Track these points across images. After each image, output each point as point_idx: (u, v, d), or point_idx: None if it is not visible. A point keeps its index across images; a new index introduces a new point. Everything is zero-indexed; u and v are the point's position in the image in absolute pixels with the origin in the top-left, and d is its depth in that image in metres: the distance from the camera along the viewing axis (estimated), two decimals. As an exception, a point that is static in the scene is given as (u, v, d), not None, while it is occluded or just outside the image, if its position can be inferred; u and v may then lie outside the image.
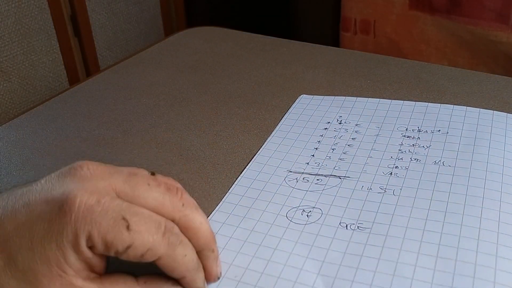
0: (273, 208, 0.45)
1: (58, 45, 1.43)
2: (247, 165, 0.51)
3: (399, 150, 0.51)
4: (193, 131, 0.58)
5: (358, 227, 0.42)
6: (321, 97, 0.62)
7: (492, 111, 0.55)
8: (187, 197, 0.35)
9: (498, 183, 0.45)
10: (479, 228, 0.40)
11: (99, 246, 0.31)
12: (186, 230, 0.34)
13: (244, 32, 0.84)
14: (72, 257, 0.31)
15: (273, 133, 0.56)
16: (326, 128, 0.55)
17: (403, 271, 0.37)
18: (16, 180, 0.51)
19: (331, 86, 0.65)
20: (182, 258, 0.34)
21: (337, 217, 0.43)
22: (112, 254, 0.32)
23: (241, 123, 0.59)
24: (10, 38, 1.31)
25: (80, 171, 0.34)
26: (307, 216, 0.43)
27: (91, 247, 0.32)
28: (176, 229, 0.34)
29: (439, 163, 0.48)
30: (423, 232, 0.40)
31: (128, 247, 0.31)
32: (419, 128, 0.54)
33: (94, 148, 0.56)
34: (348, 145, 0.52)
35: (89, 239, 0.31)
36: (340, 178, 0.48)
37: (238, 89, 0.66)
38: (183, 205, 0.34)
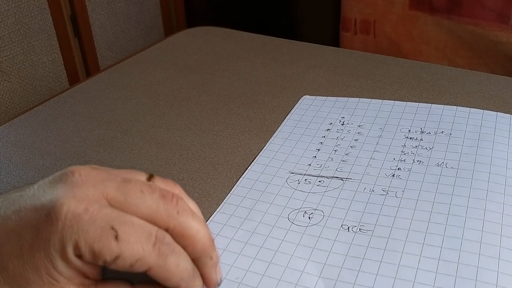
0: (275, 209, 0.44)
1: (58, 45, 1.42)
2: (248, 166, 0.51)
3: (402, 151, 0.50)
4: (193, 131, 0.58)
5: (360, 229, 0.41)
6: (324, 98, 0.61)
7: (495, 112, 0.55)
8: (182, 203, 0.34)
9: (501, 185, 0.44)
10: (482, 230, 0.40)
11: (87, 255, 0.31)
12: (181, 238, 0.33)
13: (244, 32, 0.84)
14: (61, 266, 0.31)
15: (275, 134, 0.55)
16: (329, 129, 0.55)
17: (405, 274, 0.37)
18: (16, 180, 0.51)
19: (331, 86, 0.65)
20: (175, 268, 0.33)
21: (339, 219, 0.43)
22: (100, 263, 0.31)
23: (241, 123, 0.58)
24: (10, 38, 1.30)
25: (71, 177, 0.33)
26: (309, 218, 0.43)
27: (79, 256, 0.31)
28: (168, 238, 0.33)
29: (442, 165, 0.48)
30: (425, 235, 0.40)
31: (117, 258, 0.31)
32: (422, 130, 0.53)
33: (94, 148, 0.55)
34: (351, 147, 0.52)
35: (76, 248, 0.30)
36: (342, 179, 0.47)
37: (238, 89, 0.66)
38: (178, 212, 0.33)
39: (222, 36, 0.83)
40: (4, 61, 1.30)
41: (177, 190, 0.36)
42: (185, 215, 0.34)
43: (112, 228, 0.31)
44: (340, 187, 0.46)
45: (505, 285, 0.36)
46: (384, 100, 0.59)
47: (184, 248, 0.34)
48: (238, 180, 0.49)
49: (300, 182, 0.47)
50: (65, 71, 1.46)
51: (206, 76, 0.70)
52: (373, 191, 0.45)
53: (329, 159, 0.50)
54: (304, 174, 0.49)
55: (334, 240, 0.41)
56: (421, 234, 0.40)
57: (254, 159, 0.52)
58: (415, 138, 0.52)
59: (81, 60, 1.51)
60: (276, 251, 0.40)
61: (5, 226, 0.31)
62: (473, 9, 1.10)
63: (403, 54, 1.24)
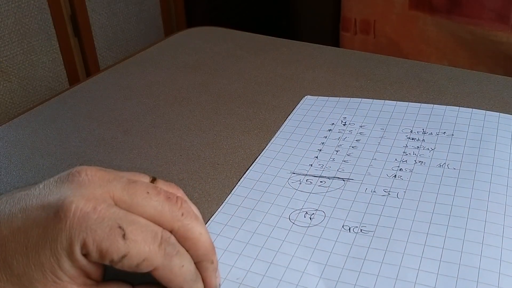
0: (276, 210, 0.44)
1: (58, 45, 1.43)
2: (249, 166, 0.50)
3: (404, 152, 0.50)
4: (193, 131, 0.57)
5: (361, 230, 0.41)
6: (326, 98, 0.61)
7: (498, 113, 0.55)
8: (187, 206, 0.35)
9: (503, 186, 0.44)
10: (484, 232, 0.40)
11: (94, 254, 0.31)
12: (184, 240, 0.34)
13: (244, 32, 0.84)
14: (66, 264, 0.31)
15: (276, 134, 0.55)
16: (330, 130, 0.55)
17: (406, 275, 0.37)
18: (16, 180, 0.51)
19: (331, 86, 0.65)
20: (179, 269, 0.33)
21: (340, 220, 0.42)
22: (107, 262, 0.31)
23: (241, 123, 0.58)
24: (10, 38, 1.30)
25: (78, 177, 0.33)
26: (310, 218, 0.43)
27: (85, 255, 0.31)
28: (173, 239, 0.33)
29: (443, 165, 0.48)
30: (427, 236, 0.40)
31: (124, 256, 0.31)
32: (424, 130, 0.53)
33: (94, 148, 0.55)
34: (352, 147, 0.52)
35: (84, 246, 0.30)
36: (343, 180, 0.47)
37: (238, 89, 0.66)
38: (182, 214, 0.34)
39: (222, 36, 0.83)
40: (4, 61, 1.30)
41: (180, 193, 0.36)
42: (189, 218, 0.34)
43: (120, 227, 0.31)
44: (342, 188, 0.46)
45: (507, 286, 0.35)
46: (386, 101, 0.59)
47: (186, 251, 0.34)
48: (239, 180, 0.49)
49: (302, 183, 0.47)
50: (65, 71, 1.46)
51: (206, 76, 0.70)
52: (374, 191, 0.45)
53: (331, 159, 0.50)
54: (306, 175, 0.48)
55: (335, 241, 0.40)
56: (423, 235, 0.40)
57: (255, 159, 0.51)
58: (417, 138, 0.52)
59: (81, 60, 1.51)
60: (277, 251, 0.40)
61: (11, 224, 0.32)
62: (473, 9, 1.10)
63: (403, 54, 1.24)
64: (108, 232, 0.31)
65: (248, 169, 0.50)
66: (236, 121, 0.59)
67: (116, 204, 0.32)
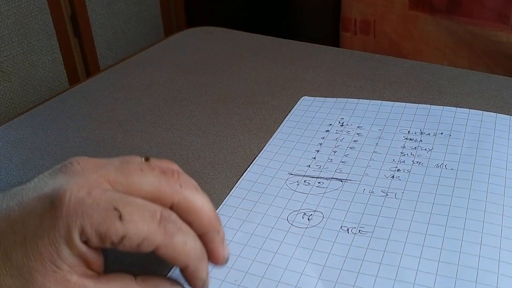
0: (274, 211, 0.44)
1: (58, 45, 1.43)
2: (248, 167, 0.50)
3: (401, 153, 0.50)
4: (193, 131, 0.58)
5: (359, 231, 0.41)
6: (323, 98, 0.61)
7: (495, 113, 0.55)
8: (184, 177, 0.34)
9: (501, 186, 0.44)
10: (482, 232, 0.40)
11: (93, 239, 0.31)
12: (187, 213, 0.33)
13: (244, 32, 0.84)
14: (65, 252, 0.31)
15: (274, 135, 0.55)
16: (328, 131, 0.55)
17: (405, 276, 0.37)
18: (16, 180, 0.51)
19: (331, 86, 0.65)
20: (183, 247, 0.32)
21: (338, 221, 0.43)
22: (108, 245, 0.31)
23: (241, 123, 0.58)
24: (10, 38, 1.30)
25: (71, 167, 0.33)
26: (308, 219, 0.43)
27: (86, 241, 0.31)
28: (174, 216, 0.33)
29: (441, 166, 0.48)
30: (425, 236, 0.40)
31: (123, 238, 0.31)
32: (422, 131, 0.53)
33: (94, 148, 0.55)
34: (350, 148, 0.52)
35: (82, 232, 0.31)
36: (341, 181, 0.47)
37: (238, 89, 0.66)
38: (180, 186, 0.33)
39: (222, 36, 0.83)
40: (4, 61, 1.30)
41: (175, 167, 0.36)
42: (189, 189, 0.34)
43: (116, 209, 0.31)
44: (340, 189, 0.46)
45: (505, 286, 0.36)
46: (383, 101, 0.59)
47: (190, 223, 0.33)
48: (238, 181, 0.49)
49: (299, 184, 0.47)
50: (65, 71, 1.46)
51: (206, 76, 0.70)
52: (372, 192, 0.45)
53: (328, 160, 0.50)
54: (303, 176, 0.48)
55: (334, 242, 0.41)
56: (421, 236, 0.40)
57: (254, 159, 0.52)
58: (415, 139, 0.52)
59: (81, 60, 1.51)
60: (276, 253, 0.40)
61: (8, 217, 0.32)
62: (473, 9, 1.10)
63: (403, 54, 1.24)
64: (104, 215, 0.31)
65: (246, 170, 0.50)
66: (236, 121, 0.59)
67: (112, 187, 0.32)
